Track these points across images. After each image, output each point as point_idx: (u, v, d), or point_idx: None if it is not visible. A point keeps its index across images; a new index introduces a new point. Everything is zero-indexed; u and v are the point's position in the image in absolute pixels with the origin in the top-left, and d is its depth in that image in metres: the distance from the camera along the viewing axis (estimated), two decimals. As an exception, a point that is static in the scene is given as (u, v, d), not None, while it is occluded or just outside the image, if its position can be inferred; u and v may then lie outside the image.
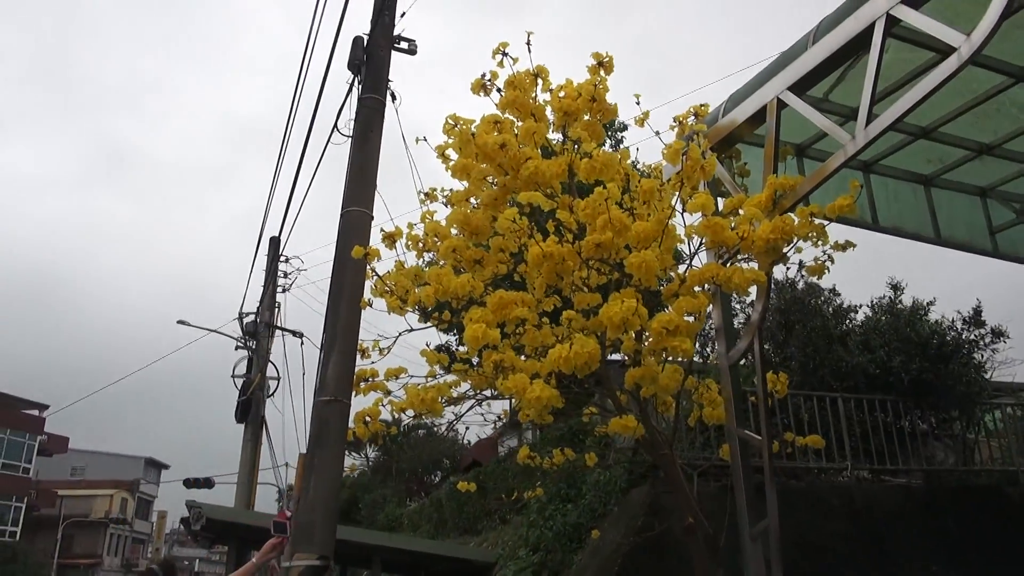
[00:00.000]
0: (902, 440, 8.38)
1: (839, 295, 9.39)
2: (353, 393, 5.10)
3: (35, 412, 44.92)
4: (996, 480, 8.83)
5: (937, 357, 8.34)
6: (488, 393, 5.35)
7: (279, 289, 15.08)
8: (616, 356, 7.38)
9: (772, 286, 6.86)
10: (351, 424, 4.98)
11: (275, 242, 14.77)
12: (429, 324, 6.50)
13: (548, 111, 4.80)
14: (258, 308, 14.43)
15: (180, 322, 18.28)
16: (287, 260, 15.48)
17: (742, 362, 5.74)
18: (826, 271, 5.12)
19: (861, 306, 9.42)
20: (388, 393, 5.06)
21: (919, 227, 6.67)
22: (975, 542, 7.73)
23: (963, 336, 8.64)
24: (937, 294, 9.16)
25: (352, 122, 5.68)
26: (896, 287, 9.09)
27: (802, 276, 9.26)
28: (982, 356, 8.71)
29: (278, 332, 14.67)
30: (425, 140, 5.06)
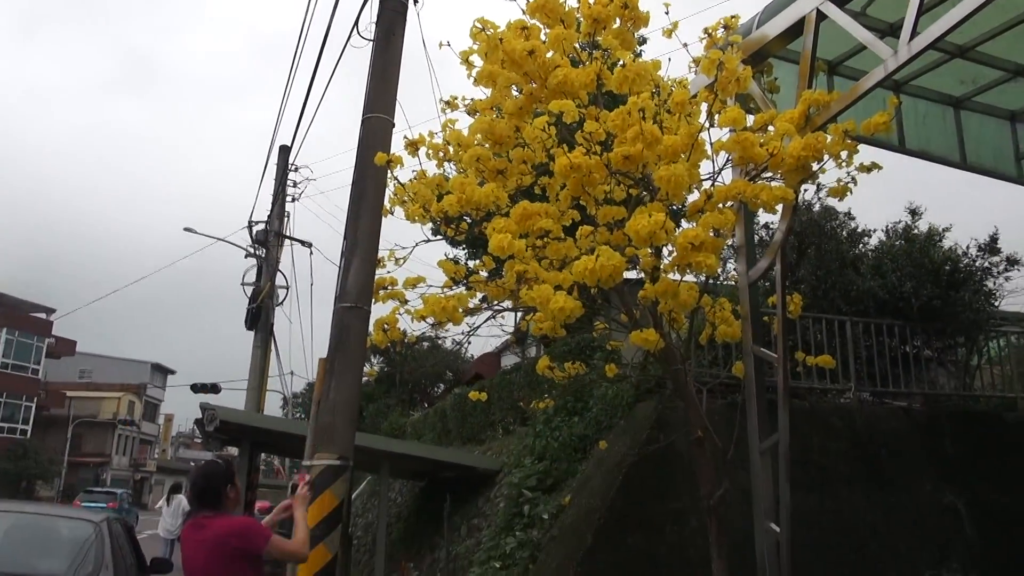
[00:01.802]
0: (906, 364, 8.50)
1: (854, 219, 9.34)
2: (372, 301, 5.13)
3: (43, 315, 45.52)
4: (995, 406, 9.00)
5: (948, 284, 8.36)
6: (504, 304, 5.39)
7: (289, 199, 15.02)
8: (629, 274, 7.38)
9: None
10: (369, 331, 5.05)
11: (285, 151, 14.60)
12: (442, 237, 6.47)
13: (577, 18, 4.65)
14: (268, 217, 14.41)
15: (187, 229, 18.31)
16: (297, 169, 15.36)
17: (758, 282, 5.76)
18: (849, 193, 5.07)
19: (876, 231, 9.40)
20: (406, 302, 5.10)
21: (946, 151, 6.56)
22: (971, 464, 7.94)
23: (976, 263, 8.64)
24: (960, 221, 9.07)
25: (373, 25, 5.50)
26: (914, 212, 9.03)
27: (819, 198, 9.20)
28: (994, 284, 8.73)
29: (287, 242, 14.69)
30: (448, 45, 4.93)
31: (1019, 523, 7.67)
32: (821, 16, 4.79)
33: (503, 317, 5.87)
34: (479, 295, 5.19)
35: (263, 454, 18.51)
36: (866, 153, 5.29)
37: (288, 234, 14.79)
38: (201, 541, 3.49)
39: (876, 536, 7.19)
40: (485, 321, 5.63)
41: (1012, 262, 8.69)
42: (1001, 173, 6.91)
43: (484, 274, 5.28)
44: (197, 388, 17.97)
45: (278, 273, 14.49)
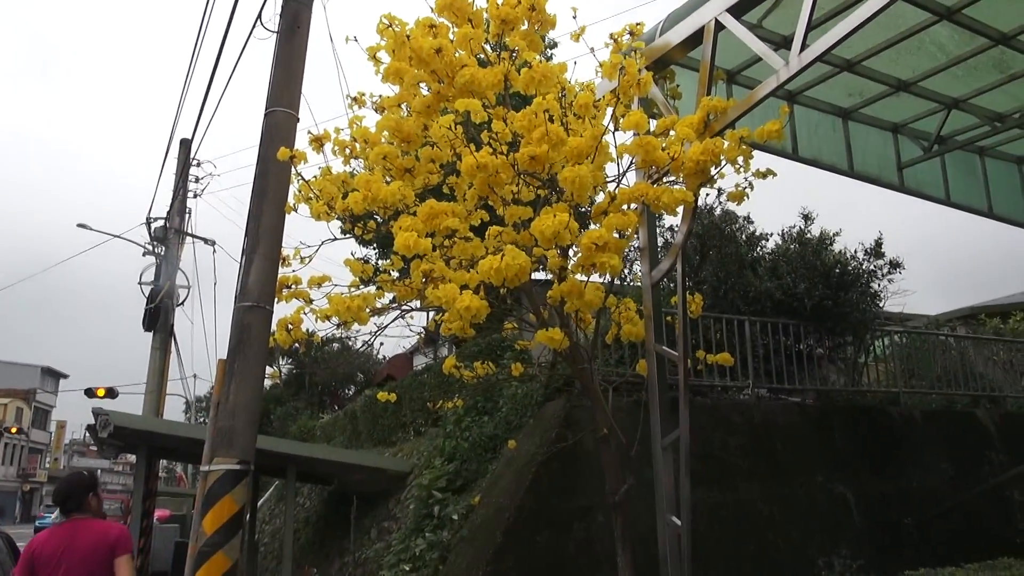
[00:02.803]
0: (800, 361, 8.91)
1: (752, 223, 9.73)
2: (275, 300, 5.00)
3: (-84, 316, 42.28)
4: (880, 400, 9.56)
5: (838, 285, 8.81)
6: (412, 305, 5.35)
7: (191, 194, 14.45)
8: (539, 275, 7.44)
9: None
10: (272, 331, 4.91)
11: (186, 144, 14.03)
12: (350, 236, 6.36)
13: (485, 18, 4.66)
14: (167, 213, 13.82)
15: (80, 225, 17.36)
16: (199, 164, 14.79)
17: (661, 283, 5.92)
18: (746, 197, 5.27)
19: (772, 234, 9.82)
20: (310, 301, 4.99)
21: (835, 159, 6.93)
22: (859, 455, 8.40)
23: (863, 266, 9.14)
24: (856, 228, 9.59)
25: (277, 17, 5.36)
26: (807, 217, 9.48)
27: (719, 203, 9.54)
28: (879, 286, 9.25)
29: (189, 239, 14.13)
30: (356, 40, 4.86)
31: (901, 509, 8.17)
32: (719, 26, 4.97)
33: (412, 317, 5.82)
34: (388, 295, 5.14)
35: (164, 461, 17.76)
36: (763, 160, 5.53)
37: (190, 231, 14.24)
38: (81, 540, 4.07)
39: (772, 526, 7.50)
40: (392, 321, 5.57)
41: (895, 265, 9.24)
42: (885, 181, 7.35)
43: (394, 274, 5.23)
44: (91, 393, 17.08)
45: (179, 272, 13.93)
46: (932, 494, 8.46)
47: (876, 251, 9.19)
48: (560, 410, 7.51)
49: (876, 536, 7.90)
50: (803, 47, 4.42)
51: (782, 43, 5.90)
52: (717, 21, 4.96)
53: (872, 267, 9.19)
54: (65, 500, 4.23)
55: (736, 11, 4.89)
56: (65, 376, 60.32)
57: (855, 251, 9.26)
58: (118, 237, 16.16)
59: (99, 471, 68.72)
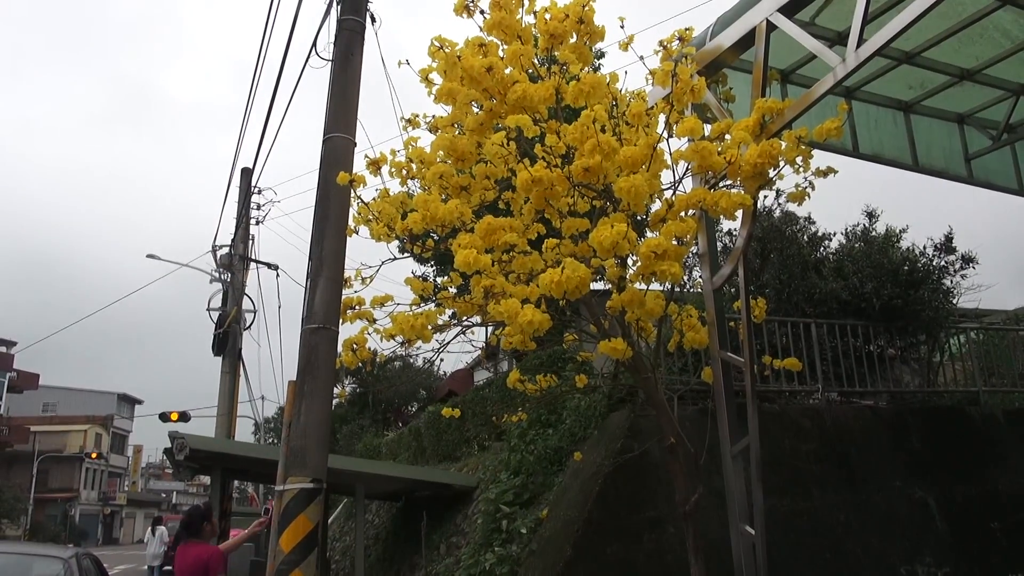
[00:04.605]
0: (871, 363, 8.65)
1: (814, 223, 9.53)
2: (340, 321, 5.10)
3: (3, 349, 44.46)
4: (958, 400, 9.19)
5: (907, 283, 8.54)
6: (473, 320, 5.40)
7: (253, 221, 14.90)
8: (597, 285, 7.44)
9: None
10: (338, 351, 5.02)
11: (247, 173, 14.49)
12: (408, 255, 6.45)
13: (534, 34, 4.70)
14: (232, 240, 14.27)
15: (150, 256, 18.08)
16: (260, 192, 15.25)
17: (723, 288, 5.83)
18: (807, 197, 5.17)
19: (835, 234, 9.59)
20: (374, 321, 5.08)
21: (898, 154, 6.74)
22: (938, 459, 8.09)
23: (933, 262, 8.84)
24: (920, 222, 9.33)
25: (332, 46, 5.51)
26: (871, 214, 9.23)
27: (779, 204, 9.37)
28: (951, 282, 8.93)
29: (253, 265, 14.56)
30: (408, 64, 4.95)
31: (987, 514, 7.83)
32: (771, 27, 4.90)
33: (473, 332, 5.87)
34: (448, 311, 5.19)
35: (236, 481, 18.24)
36: (822, 158, 5.42)
37: (253, 257, 14.68)
38: (186, 558, 5.11)
39: (850, 534, 7.28)
40: (455, 337, 5.62)
41: (967, 260, 8.91)
42: (952, 174, 7.11)
43: (452, 290, 5.29)
44: (166, 417, 17.67)
45: (244, 297, 14.35)
46: (1020, 497, 8.09)
47: (947, 246, 8.88)
48: (624, 420, 7.46)
49: (962, 542, 7.58)
50: (860, 42, 4.33)
51: (837, 39, 5.78)
52: (768, 21, 4.89)
53: (943, 263, 8.87)
54: (187, 527, 5.39)
55: (788, 10, 4.82)
56: (140, 402, 62.59)
57: (924, 247, 8.97)
58: (186, 266, 16.76)
59: (174, 493, 70.84)
